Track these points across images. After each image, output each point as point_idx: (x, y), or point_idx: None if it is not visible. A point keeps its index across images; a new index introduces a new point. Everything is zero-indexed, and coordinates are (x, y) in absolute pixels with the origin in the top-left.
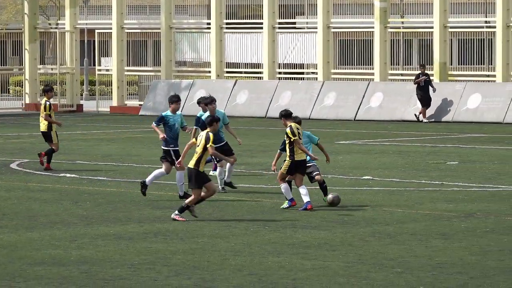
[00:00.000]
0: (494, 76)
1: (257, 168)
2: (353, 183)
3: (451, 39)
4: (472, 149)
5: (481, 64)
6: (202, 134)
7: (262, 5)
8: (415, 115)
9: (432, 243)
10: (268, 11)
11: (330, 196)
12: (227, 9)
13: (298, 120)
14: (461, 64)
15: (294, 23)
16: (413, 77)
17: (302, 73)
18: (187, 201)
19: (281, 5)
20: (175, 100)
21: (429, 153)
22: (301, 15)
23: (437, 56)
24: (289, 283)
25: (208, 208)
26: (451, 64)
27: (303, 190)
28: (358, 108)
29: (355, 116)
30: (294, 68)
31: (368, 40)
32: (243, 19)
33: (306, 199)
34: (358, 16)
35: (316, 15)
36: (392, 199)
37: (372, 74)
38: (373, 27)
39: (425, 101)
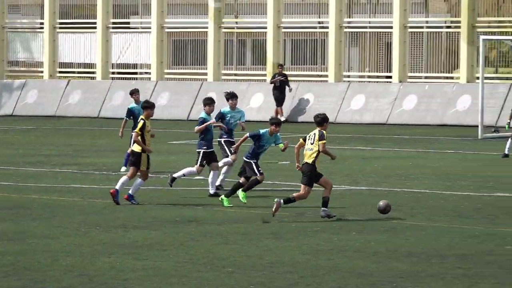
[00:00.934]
0: (327, 76)
1: (89, 168)
2: (187, 183)
3: (285, 39)
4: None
5: (314, 64)
6: (316, 133)
7: (96, 5)
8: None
9: (263, 243)
10: (102, 11)
11: (381, 204)
12: (60, 8)
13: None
14: (294, 64)
15: (128, 23)
16: (247, 77)
17: (136, 73)
18: (294, 194)
19: (115, 5)
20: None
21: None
22: (135, 15)
23: (271, 56)
24: (120, 283)
25: (39, 209)
26: (285, 64)
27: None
28: (192, 108)
29: (188, 116)
30: (128, 68)
31: (202, 40)
32: (76, 19)
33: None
34: (193, 16)
35: (150, 15)
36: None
37: (206, 74)
38: (207, 27)
39: (280, 101)
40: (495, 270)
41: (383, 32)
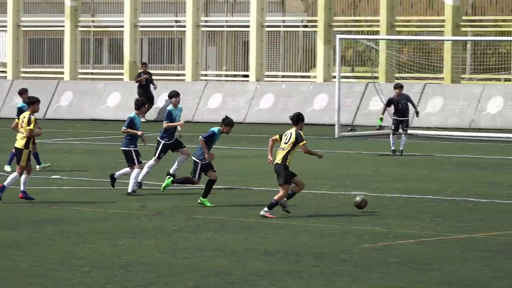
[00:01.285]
0: (184, 75)
1: None
2: (42, 182)
3: (142, 38)
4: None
5: (171, 63)
6: (292, 132)
7: None
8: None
9: (121, 242)
10: None
11: (358, 199)
12: None
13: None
14: (152, 63)
15: None
16: (104, 76)
17: None
18: (276, 197)
19: None
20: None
21: (119, 152)
22: None
23: (128, 55)
24: None
25: None
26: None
27: None
28: (48, 107)
29: (45, 115)
30: None
31: (59, 39)
32: None
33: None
34: (49, 14)
35: (6, 13)
36: (81, 198)
37: (62, 73)
38: (64, 26)
39: (148, 99)
40: (351, 268)
41: (240, 31)
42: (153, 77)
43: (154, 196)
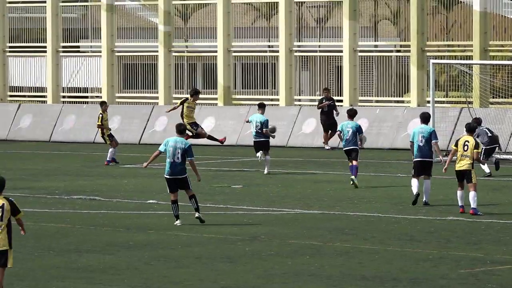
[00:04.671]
0: (278, 100)
1: (41, 192)
2: (138, 206)
3: (235, 63)
4: (256, 172)
5: (265, 88)
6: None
7: (46, 28)
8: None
9: (217, 267)
10: (51, 34)
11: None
12: (10, 32)
13: None
14: (245, 88)
15: (78, 46)
16: (198, 101)
17: (87, 97)
18: None
19: (65, 29)
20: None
21: (214, 177)
22: (85, 38)
23: (221, 80)
24: None
25: None
26: (235, 88)
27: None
28: (143, 132)
29: (140, 140)
30: (79, 92)
31: (152, 64)
32: (27, 42)
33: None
34: (143, 40)
35: (100, 39)
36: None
37: (157, 98)
38: (157, 51)
39: (328, 126)
40: None
41: (333, 56)
42: (247, 102)
43: (250, 221)
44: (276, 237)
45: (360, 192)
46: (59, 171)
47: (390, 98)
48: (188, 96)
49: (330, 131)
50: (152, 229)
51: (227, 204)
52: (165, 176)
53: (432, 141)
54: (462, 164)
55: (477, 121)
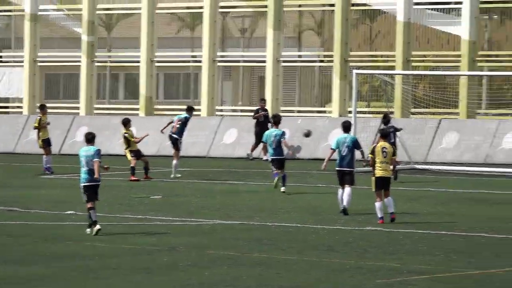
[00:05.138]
0: (200, 110)
1: None
2: (56, 217)
3: (158, 73)
4: (175, 182)
5: (187, 98)
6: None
7: None
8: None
9: (135, 278)
10: None
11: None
12: None
13: None
14: (167, 98)
15: (1, 56)
16: (120, 111)
17: (8, 107)
18: None
19: None
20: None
21: (133, 187)
22: (7, 48)
23: (143, 90)
24: None
25: None
26: (157, 98)
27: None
28: (63, 142)
29: (60, 150)
30: (0, 102)
31: (75, 74)
32: None
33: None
34: (66, 50)
35: (23, 49)
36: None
37: (78, 108)
38: (80, 61)
39: (261, 137)
40: None
41: (256, 66)
42: (169, 113)
43: (168, 232)
44: (194, 247)
45: (280, 202)
46: None
47: (312, 108)
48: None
49: (262, 143)
50: (70, 240)
51: (146, 215)
52: (83, 184)
53: (359, 150)
54: (384, 171)
55: (387, 119)
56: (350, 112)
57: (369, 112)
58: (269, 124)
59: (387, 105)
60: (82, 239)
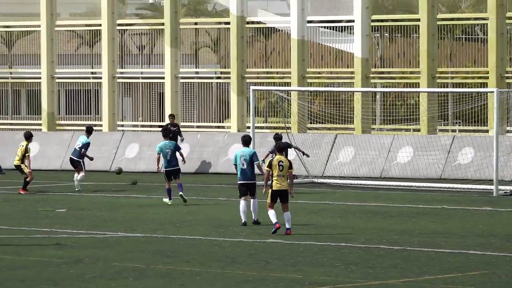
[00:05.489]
0: (101, 125)
1: None
2: None
3: (59, 89)
4: (80, 196)
5: (89, 114)
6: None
7: None
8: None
9: None
10: None
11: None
12: None
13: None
14: (69, 114)
15: None
16: (23, 126)
17: None
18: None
19: None
20: None
21: (38, 201)
22: None
23: (45, 106)
24: None
25: None
26: (59, 114)
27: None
28: None
29: None
30: None
31: None
32: None
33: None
34: None
35: None
36: (0, 246)
37: None
38: None
39: None
40: None
41: (155, 82)
42: (71, 128)
43: (74, 244)
44: (99, 259)
45: (183, 215)
46: None
47: (211, 124)
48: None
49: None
50: None
51: (51, 228)
52: None
53: (255, 163)
54: (281, 184)
55: (278, 137)
56: (248, 127)
57: (267, 127)
58: (179, 138)
59: (284, 120)
60: None
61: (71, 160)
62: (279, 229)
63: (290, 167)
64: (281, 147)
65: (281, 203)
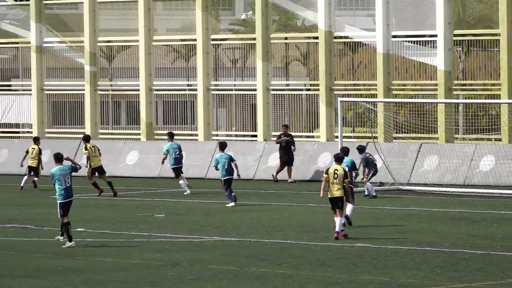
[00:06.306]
0: (197, 135)
1: None
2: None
3: (157, 101)
4: (177, 202)
5: (184, 124)
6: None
7: None
8: (273, 175)
9: None
10: None
11: None
12: None
13: None
14: (166, 124)
15: (10, 85)
16: (123, 136)
17: (19, 132)
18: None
19: None
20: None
21: (138, 207)
22: (16, 78)
23: (144, 116)
24: None
25: None
26: (157, 124)
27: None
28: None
29: None
30: (11, 127)
31: (79, 101)
32: None
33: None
34: (71, 79)
35: (30, 78)
36: (103, 249)
37: (84, 133)
38: (84, 90)
39: (285, 161)
40: None
41: (247, 94)
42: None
43: (172, 248)
44: (196, 262)
45: (275, 221)
46: None
47: (301, 134)
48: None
49: (287, 166)
50: (80, 255)
51: (150, 232)
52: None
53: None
54: (335, 191)
55: (362, 148)
56: (336, 137)
57: (354, 137)
58: (292, 148)
59: (371, 130)
60: (91, 255)
61: (176, 168)
62: (337, 238)
63: (345, 177)
64: (339, 157)
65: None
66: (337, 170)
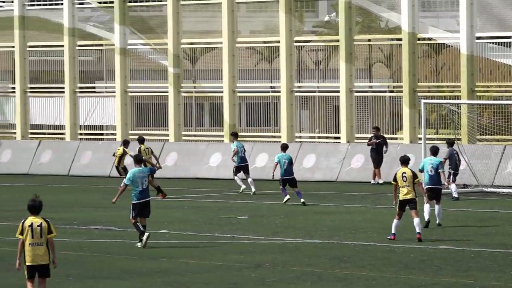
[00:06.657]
0: (280, 137)
1: (60, 222)
2: (151, 236)
3: (240, 103)
4: (260, 204)
5: (267, 126)
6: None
7: (64, 70)
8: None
9: None
10: (69, 76)
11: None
12: (30, 74)
13: None
14: (250, 126)
15: (94, 87)
16: (206, 138)
17: (102, 134)
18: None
19: (81, 71)
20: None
21: (221, 208)
22: (100, 80)
23: (227, 118)
24: None
25: (13, 261)
26: (240, 126)
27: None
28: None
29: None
30: (95, 130)
31: (163, 103)
32: (46, 83)
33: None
34: (154, 81)
35: (114, 80)
36: (186, 251)
37: (167, 135)
38: (167, 91)
39: (378, 162)
40: None
41: (331, 95)
42: (251, 139)
43: (255, 250)
44: (279, 264)
45: (358, 223)
46: (77, 203)
47: (384, 135)
48: None
49: (378, 168)
50: (163, 257)
51: (233, 234)
52: (135, 202)
53: (439, 170)
54: (406, 194)
55: (451, 143)
56: (420, 139)
57: (438, 139)
58: (384, 149)
59: (455, 132)
60: (174, 256)
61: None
62: (393, 240)
63: (415, 177)
64: (404, 160)
65: (410, 211)
66: (405, 173)
